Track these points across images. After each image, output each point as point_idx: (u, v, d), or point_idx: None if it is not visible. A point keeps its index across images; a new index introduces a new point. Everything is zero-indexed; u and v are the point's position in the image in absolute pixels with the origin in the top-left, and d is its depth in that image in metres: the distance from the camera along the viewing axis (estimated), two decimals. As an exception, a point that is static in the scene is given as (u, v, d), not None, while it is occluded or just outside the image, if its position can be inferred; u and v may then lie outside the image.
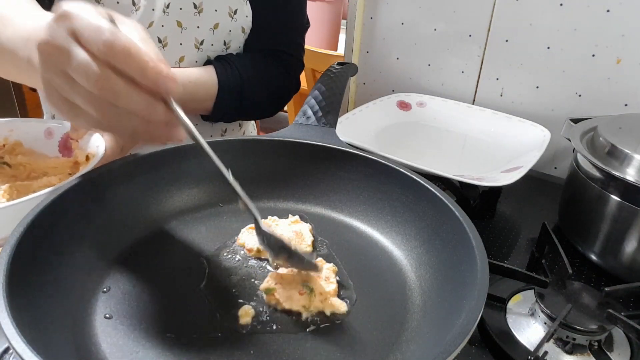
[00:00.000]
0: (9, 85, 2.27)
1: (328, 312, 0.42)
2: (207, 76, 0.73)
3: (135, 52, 0.35)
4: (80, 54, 0.35)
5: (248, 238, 0.49)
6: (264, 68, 0.80)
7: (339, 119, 0.71)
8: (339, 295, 0.44)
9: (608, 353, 0.45)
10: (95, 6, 0.38)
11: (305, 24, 0.86)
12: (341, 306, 0.42)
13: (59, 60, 0.36)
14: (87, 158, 0.57)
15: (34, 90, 2.29)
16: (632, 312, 0.48)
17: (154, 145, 0.51)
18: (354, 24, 1.04)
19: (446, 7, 0.94)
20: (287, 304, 0.41)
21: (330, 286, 0.44)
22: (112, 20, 0.37)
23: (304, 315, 0.41)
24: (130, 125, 0.38)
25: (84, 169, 0.48)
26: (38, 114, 0.87)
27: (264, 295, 0.43)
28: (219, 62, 0.75)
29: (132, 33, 0.38)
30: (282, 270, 0.45)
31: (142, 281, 0.43)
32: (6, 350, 0.40)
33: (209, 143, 0.53)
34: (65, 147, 0.65)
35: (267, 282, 0.44)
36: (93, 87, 0.35)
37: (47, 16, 0.48)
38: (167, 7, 0.71)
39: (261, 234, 0.43)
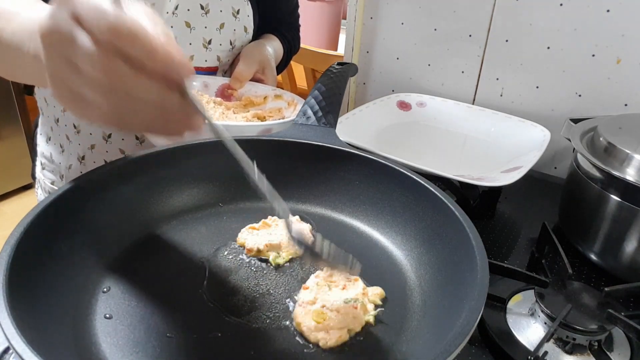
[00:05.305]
0: (9, 86, 2.27)
1: (379, 301, 0.43)
2: (278, 44, 0.96)
3: (142, 36, 0.32)
4: (84, 39, 0.32)
5: (248, 238, 0.49)
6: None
7: (339, 119, 0.71)
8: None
9: (608, 353, 0.45)
10: None
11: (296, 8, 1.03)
12: (380, 290, 0.44)
13: (62, 48, 0.33)
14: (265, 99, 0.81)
15: (30, 94, 2.29)
16: (632, 312, 0.48)
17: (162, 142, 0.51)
18: (354, 24, 1.04)
19: (446, 7, 0.94)
20: (356, 327, 0.40)
21: (359, 282, 0.44)
22: (116, 2, 0.34)
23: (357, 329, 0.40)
24: (145, 116, 0.35)
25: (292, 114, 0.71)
26: (38, 114, 0.86)
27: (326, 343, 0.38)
28: (279, 34, 0.97)
29: (139, 15, 0.34)
30: (303, 308, 0.41)
31: (142, 281, 0.43)
32: (6, 350, 0.40)
33: (210, 141, 0.53)
34: (224, 95, 0.81)
35: (324, 336, 0.39)
36: (99, 74, 0.32)
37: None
38: (176, 8, 0.75)
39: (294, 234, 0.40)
